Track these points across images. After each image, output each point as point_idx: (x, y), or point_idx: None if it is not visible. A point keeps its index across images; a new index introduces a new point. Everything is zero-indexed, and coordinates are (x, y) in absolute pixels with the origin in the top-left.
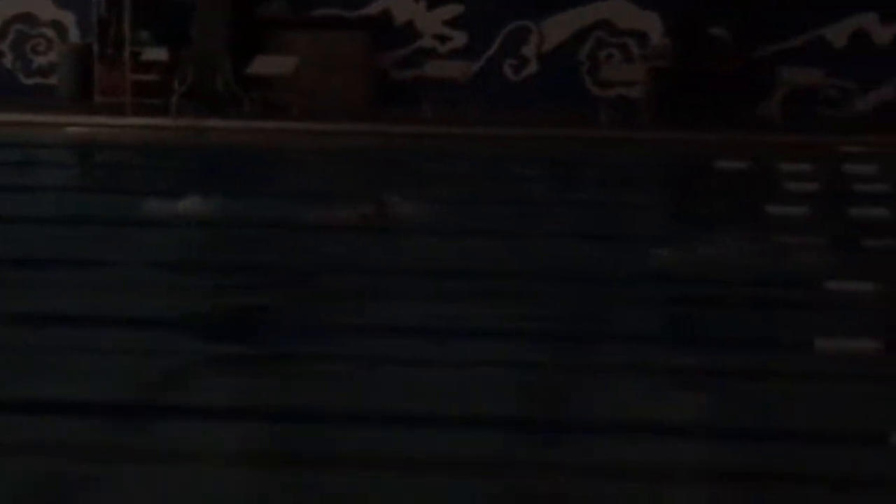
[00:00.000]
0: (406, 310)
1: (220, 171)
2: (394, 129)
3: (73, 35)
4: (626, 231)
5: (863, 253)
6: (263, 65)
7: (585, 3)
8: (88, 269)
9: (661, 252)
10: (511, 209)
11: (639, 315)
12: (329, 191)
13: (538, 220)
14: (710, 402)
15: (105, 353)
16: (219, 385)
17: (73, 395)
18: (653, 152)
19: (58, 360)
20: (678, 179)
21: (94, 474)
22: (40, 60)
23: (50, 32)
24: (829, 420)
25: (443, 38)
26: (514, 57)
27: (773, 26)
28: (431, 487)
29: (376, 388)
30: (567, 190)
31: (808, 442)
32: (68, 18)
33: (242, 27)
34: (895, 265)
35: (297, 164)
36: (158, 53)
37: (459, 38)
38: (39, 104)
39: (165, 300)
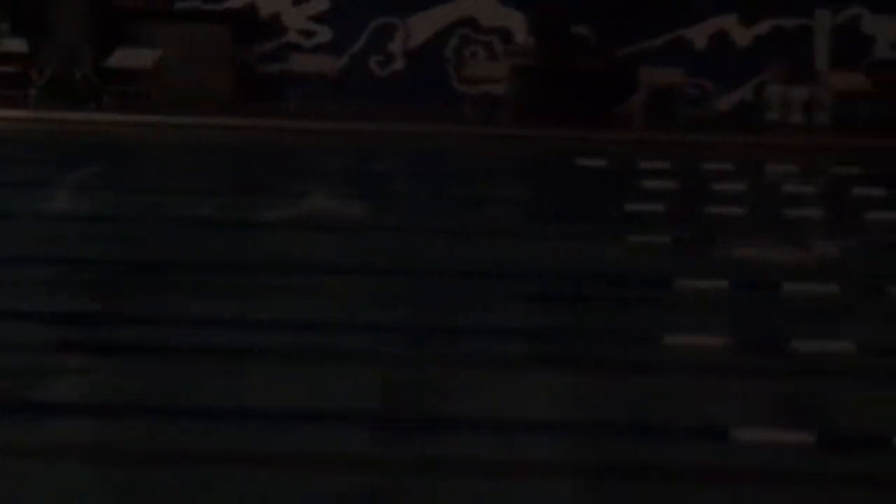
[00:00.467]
0: (259, 304)
1: (76, 163)
2: (258, 124)
3: None
4: (485, 227)
5: (717, 251)
6: (124, 57)
7: (450, 1)
8: None
9: (519, 247)
10: (371, 204)
11: (494, 310)
12: (187, 185)
13: (396, 214)
14: (562, 398)
15: None
16: (55, 379)
17: None
18: (516, 149)
19: None
20: (540, 176)
21: None
22: None
23: None
24: (677, 414)
25: (308, 33)
26: (380, 53)
27: (636, 26)
28: (279, 483)
29: (219, 383)
30: (428, 185)
31: (657, 436)
32: None
33: (104, 19)
34: (748, 263)
35: (156, 158)
36: (17, 45)
37: (325, 34)
38: None
39: (10, 293)
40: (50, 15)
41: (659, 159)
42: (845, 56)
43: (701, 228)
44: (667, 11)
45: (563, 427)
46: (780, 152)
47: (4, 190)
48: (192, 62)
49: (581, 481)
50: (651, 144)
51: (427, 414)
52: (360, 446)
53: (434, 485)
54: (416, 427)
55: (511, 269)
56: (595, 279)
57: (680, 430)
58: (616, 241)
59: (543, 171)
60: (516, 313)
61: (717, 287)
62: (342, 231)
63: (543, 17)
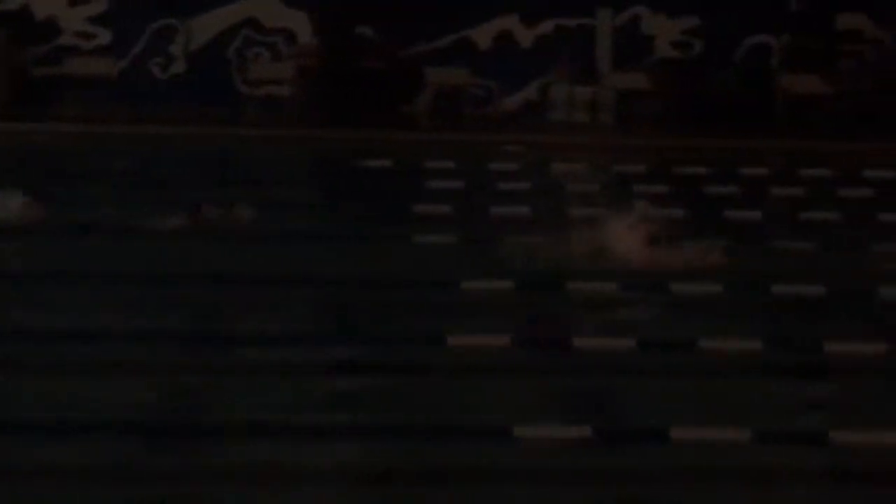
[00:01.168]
0: (24, 314)
1: None
2: (34, 128)
3: None
4: (267, 230)
5: (504, 250)
6: None
7: (232, 2)
8: None
9: (303, 251)
10: (152, 208)
11: (278, 315)
12: None
13: (177, 219)
14: (347, 402)
15: None
16: None
17: None
18: (301, 151)
19: None
20: (325, 178)
21: None
22: None
23: None
24: (461, 415)
25: (87, 36)
26: (161, 55)
27: (421, 26)
28: (45, 497)
29: None
30: (208, 188)
31: (443, 437)
32: None
33: None
34: (530, 262)
35: None
36: None
37: (104, 36)
38: None
39: None
40: None
41: (445, 159)
42: (627, 55)
43: (487, 228)
44: (451, 12)
45: (344, 431)
46: (563, 151)
47: None
48: None
49: (363, 486)
50: (437, 144)
51: (202, 422)
52: (134, 455)
53: (207, 493)
54: (189, 435)
55: (294, 273)
56: (380, 281)
57: (464, 431)
58: (402, 243)
59: (329, 173)
60: (301, 319)
61: (502, 287)
62: (119, 237)
63: (327, 18)
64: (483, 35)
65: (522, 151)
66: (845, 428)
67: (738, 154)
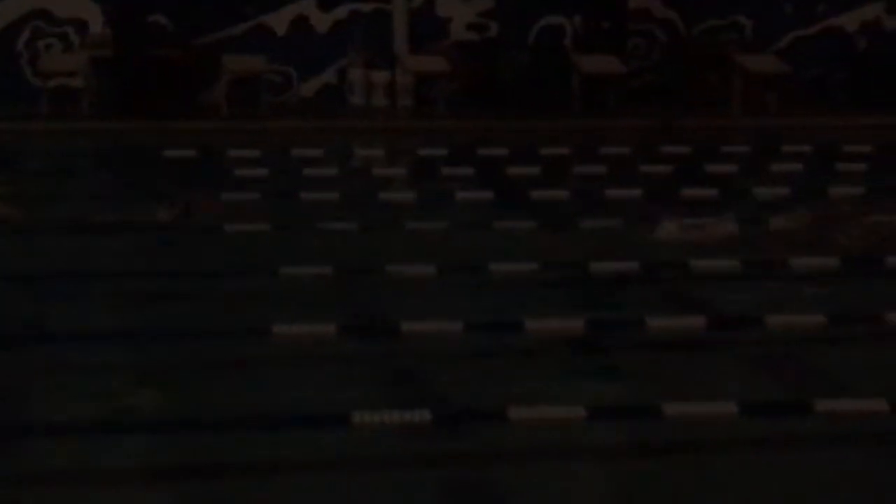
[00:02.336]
0: None
1: None
2: None
3: None
4: (66, 222)
5: (316, 236)
6: None
7: None
8: None
9: (107, 245)
10: None
11: (89, 313)
12: None
13: None
14: (169, 397)
15: None
16: None
17: None
18: (97, 143)
19: None
20: (124, 169)
21: None
22: None
23: None
24: (295, 403)
25: None
26: None
27: (216, 14)
28: None
29: None
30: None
31: (279, 428)
32: None
33: None
34: (346, 247)
35: None
36: None
37: None
38: None
39: None
40: None
41: (247, 147)
42: (423, 38)
43: (296, 215)
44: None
45: (171, 424)
46: (365, 136)
47: None
48: None
49: (189, 480)
50: (238, 133)
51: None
52: None
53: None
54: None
55: (100, 268)
56: (192, 273)
57: (300, 420)
58: (213, 233)
59: (128, 165)
60: (108, 315)
61: (320, 273)
62: None
63: (119, 7)
64: (279, 21)
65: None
66: (679, 399)
67: (538, 134)
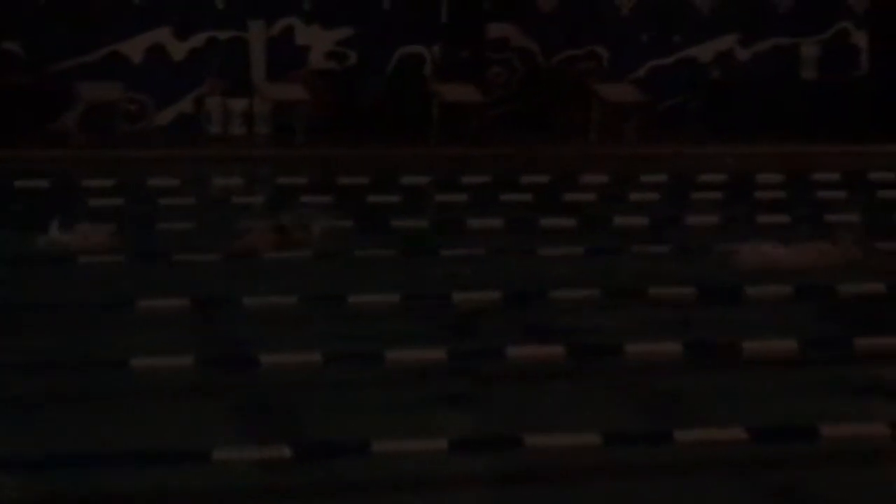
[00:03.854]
0: None
1: None
2: None
3: None
4: None
5: (173, 266)
6: None
7: None
8: None
9: None
10: None
11: None
12: None
13: None
14: (21, 432)
15: None
16: None
17: None
18: None
19: None
20: None
21: None
22: None
23: None
24: (153, 438)
25: None
26: None
27: (69, 41)
28: None
29: None
30: None
31: (136, 464)
32: None
33: None
34: (204, 278)
35: None
36: None
37: None
38: None
39: None
40: None
41: (102, 177)
42: (281, 66)
43: (153, 245)
44: (100, 26)
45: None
46: (222, 164)
47: None
48: None
49: None
50: (91, 162)
51: None
52: None
53: None
54: None
55: None
56: (45, 305)
57: (159, 455)
58: (67, 263)
59: None
60: None
61: (178, 304)
62: None
63: None
64: (134, 49)
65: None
66: (536, 431)
67: (398, 162)
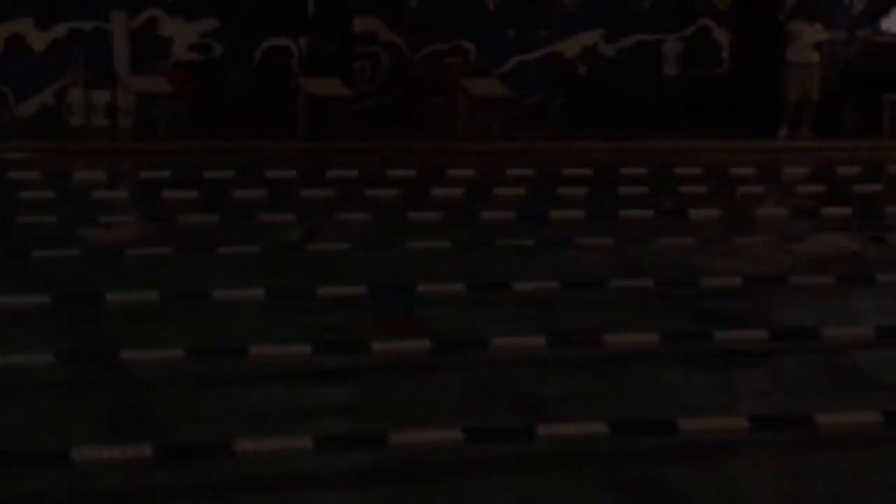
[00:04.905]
0: None
1: None
2: None
3: None
4: None
5: (33, 262)
6: None
7: None
8: None
9: None
10: None
11: None
12: None
13: None
14: None
15: None
16: None
17: None
18: None
19: None
20: None
21: None
22: None
23: None
24: (10, 438)
25: None
26: None
27: None
28: None
29: None
30: None
31: None
32: None
33: None
34: (65, 274)
35: None
36: None
37: None
38: None
39: None
40: None
41: None
42: (145, 58)
43: (12, 241)
44: None
45: None
46: (85, 158)
47: None
48: None
49: None
50: None
51: None
52: None
53: None
54: None
55: None
56: None
57: (16, 456)
58: None
59: None
60: None
61: (38, 301)
62: None
63: None
64: None
65: None
66: (400, 428)
67: (264, 156)
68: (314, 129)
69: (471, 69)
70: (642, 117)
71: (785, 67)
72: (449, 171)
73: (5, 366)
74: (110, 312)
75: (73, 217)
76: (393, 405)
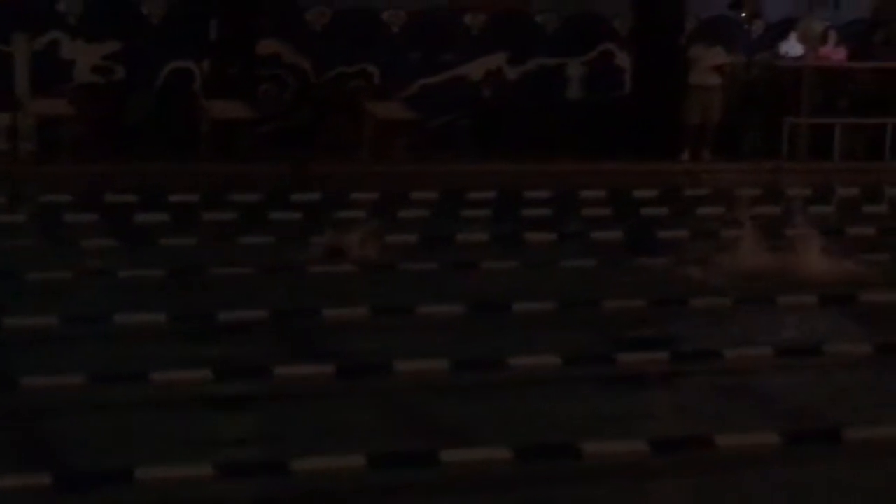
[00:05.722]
0: None
1: None
2: None
3: None
4: None
5: None
6: None
7: None
8: None
9: None
10: None
11: None
12: None
13: None
14: None
15: None
16: None
17: None
18: None
19: None
20: None
21: None
22: None
23: None
24: None
25: None
26: None
27: None
28: None
29: None
30: None
31: None
32: None
33: None
34: None
35: None
36: None
37: None
38: None
39: None
40: None
41: None
42: (46, 81)
43: None
44: None
45: None
46: None
47: None
48: None
49: None
50: None
51: None
52: None
53: None
54: None
55: None
56: None
57: None
58: None
59: None
60: None
61: None
62: None
63: None
64: None
65: None
66: (307, 451)
67: (167, 179)
68: (218, 152)
69: (376, 92)
70: (546, 140)
71: (686, 91)
72: (353, 194)
73: None
74: (9, 337)
75: None
76: (295, 431)
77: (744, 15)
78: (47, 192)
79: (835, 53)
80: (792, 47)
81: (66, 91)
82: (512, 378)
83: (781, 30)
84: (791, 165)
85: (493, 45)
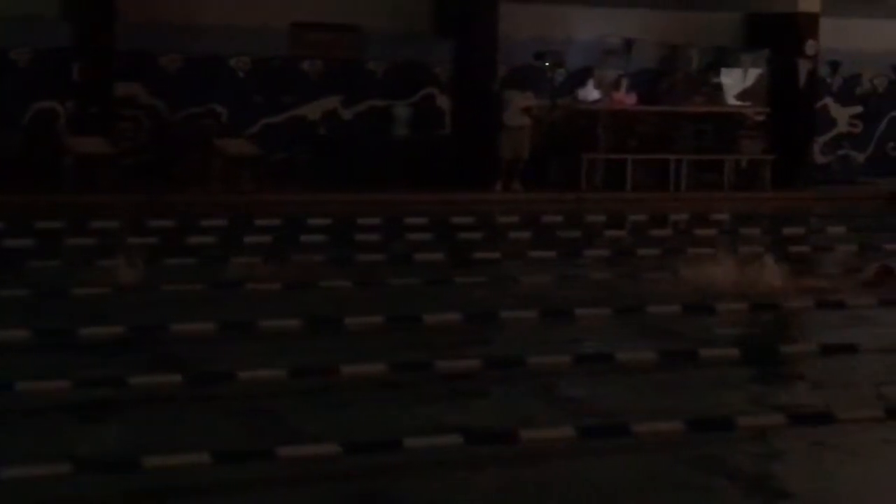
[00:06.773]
0: None
1: None
2: None
3: None
4: None
5: None
6: None
7: None
8: None
9: None
10: None
11: None
12: None
13: None
14: None
15: None
16: None
17: None
18: None
19: None
20: None
21: None
22: None
23: None
24: None
25: None
26: None
27: None
28: None
29: None
30: None
31: None
32: None
33: None
34: None
35: None
36: None
37: None
38: None
39: None
40: None
41: None
42: None
43: None
44: None
45: None
46: None
47: None
48: None
49: None
50: None
51: None
52: None
53: None
54: None
55: None
56: None
57: None
58: None
59: None
60: None
61: None
62: None
63: None
64: None
65: None
66: (153, 452)
67: (31, 209)
68: (80, 185)
69: (223, 130)
70: (376, 173)
71: (499, 130)
72: (203, 221)
73: None
74: None
75: None
76: (148, 433)
77: (547, 64)
78: None
79: (626, 98)
80: (590, 93)
81: None
82: (342, 383)
83: (580, 77)
84: (590, 196)
85: (329, 88)
